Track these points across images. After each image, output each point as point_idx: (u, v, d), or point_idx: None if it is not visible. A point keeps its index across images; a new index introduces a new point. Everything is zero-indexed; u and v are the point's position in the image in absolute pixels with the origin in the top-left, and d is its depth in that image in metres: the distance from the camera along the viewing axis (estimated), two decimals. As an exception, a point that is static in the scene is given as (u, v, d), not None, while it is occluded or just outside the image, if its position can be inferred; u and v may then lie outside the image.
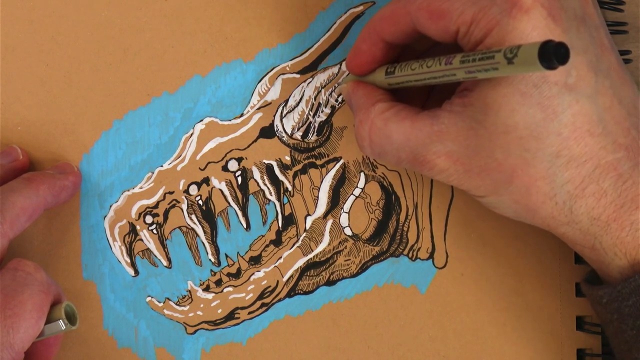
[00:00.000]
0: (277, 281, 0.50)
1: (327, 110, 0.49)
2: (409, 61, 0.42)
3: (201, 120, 0.49)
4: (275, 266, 0.50)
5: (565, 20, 0.38)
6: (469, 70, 0.37)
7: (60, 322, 0.42)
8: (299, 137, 0.49)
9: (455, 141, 0.40)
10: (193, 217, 0.49)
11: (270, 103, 0.49)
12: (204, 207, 0.49)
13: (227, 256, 0.49)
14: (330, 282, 0.50)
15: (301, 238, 0.49)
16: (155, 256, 0.49)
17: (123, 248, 0.49)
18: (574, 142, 0.39)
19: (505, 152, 0.39)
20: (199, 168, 0.49)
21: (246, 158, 0.49)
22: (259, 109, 0.49)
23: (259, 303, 0.50)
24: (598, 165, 0.39)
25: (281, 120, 0.49)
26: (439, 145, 0.40)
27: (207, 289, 0.50)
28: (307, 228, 0.49)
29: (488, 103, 0.38)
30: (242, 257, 0.49)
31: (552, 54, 0.32)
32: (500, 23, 0.37)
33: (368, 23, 0.43)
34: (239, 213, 0.49)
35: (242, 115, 0.49)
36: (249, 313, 0.50)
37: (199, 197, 0.49)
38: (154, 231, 0.49)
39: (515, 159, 0.39)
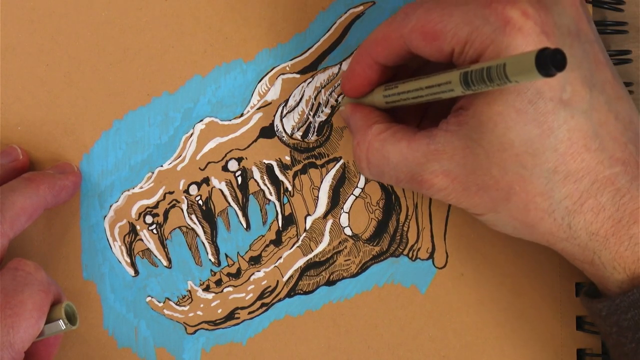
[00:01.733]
0: (277, 281, 0.50)
1: (327, 110, 0.49)
2: (406, 80, 0.42)
3: (201, 120, 0.49)
4: (275, 266, 0.50)
5: (558, 37, 0.38)
6: (467, 84, 0.37)
7: (60, 322, 0.42)
8: (299, 137, 0.49)
9: (451, 160, 0.40)
10: (193, 217, 0.49)
11: (270, 103, 0.49)
12: (204, 207, 0.49)
13: (227, 256, 0.49)
14: (330, 282, 0.50)
15: (301, 238, 0.49)
16: (155, 256, 0.49)
17: (123, 248, 0.49)
18: (571, 157, 0.39)
19: (502, 170, 0.39)
20: (199, 168, 0.49)
21: (246, 158, 0.49)
22: (259, 109, 0.49)
23: (259, 303, 0.50)
24: (595, 180, 0.39)
25: (281, 120, 0.49)
26: (436, 164, 0.41)
27: (207, 289, 0.50)
28: (307, 228, 0.49)
29: (483, 121, 0.39)
30: (242, 257, 0.49)
31: (549, 61, 0.32)
32: (495, 41, 0.37)
33: (361, 46, 0.44)
34: (239, 213, 0.49)
35: (242, 115, 0.49)
36: (249, 313, 0.50)
37: (199, 197, 0.49)
38: (154, 231, 0.49)
39: (512, 176, 0.39)
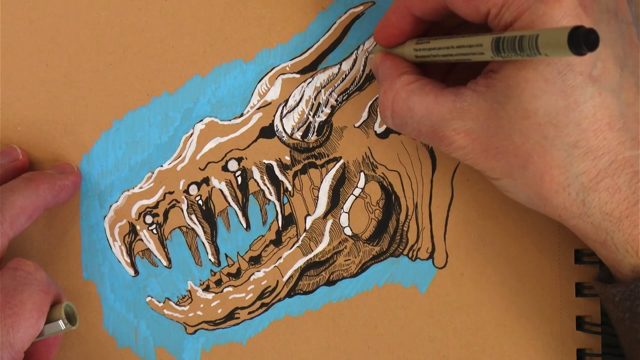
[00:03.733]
0: (277, 281, 0.50)
1: (327, 110, 0.49)
2: (439, 37, 0.42)
3: (201, 120, 0.49)
4: (275, 266, 0.50)
5: (596, 12, 0.38)
6: (497, 50, 0.36)
7: (60, 322, 0.42)
8: (299, 137, 0.49)
9: (475, 120, 0.40)
10: (193, 217, 0.49)
11: (270, 103, 0.49)
12: (204, 207, 0.49)
13: (227, 256, 0.49)
14: (330, 282, 0.50)
15: (301, 238, 0.49)
16: (155, 256, 0.49)
17: (123, 248, 0.49)
18: (593, 134, 0.38)
19: (523, 137, 0.39)
20: (199, 168, 0.49)
21: (246, 158, 0.49)
22: (259, 109, 0.49)
23: (259, 303, 0.50)
24: (615, 160, 0.39)
25: (281, 120, 0.49)
26: (460, 122, 0.40)
27: (207, 289, 0.50)
28: (307, 228, 0.49)
29: (511, 86, 0.38)
30: (242, 257, 0.49)
31: (582, 40, 0.32)
32: (532, 8, 0.37)
33: None
34: (239, 213, 0.49)
35: (242, 115, 0.49)
36: (249, 313, 0.50)
37: (199, 197, 0.49)
38: (154, 231, 0.49)
39: (532, 145, 0.39)
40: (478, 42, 0.38)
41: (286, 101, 0.49)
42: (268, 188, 0.49)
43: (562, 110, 0.38)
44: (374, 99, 0.49)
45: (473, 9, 0.39)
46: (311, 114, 0.49)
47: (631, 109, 0.39)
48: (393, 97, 0.43)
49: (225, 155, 0.49)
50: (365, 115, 0.49)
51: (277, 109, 0.49)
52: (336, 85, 0.49)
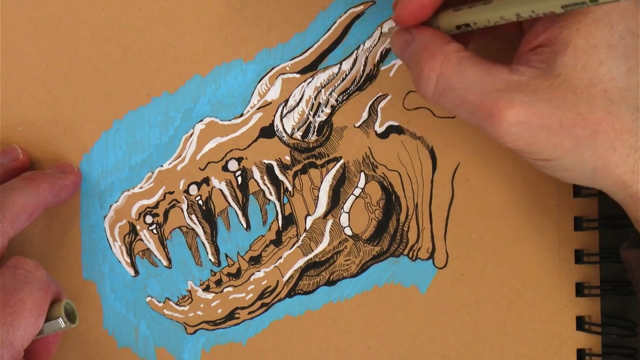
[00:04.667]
0: (277, 281, 0.50)
1: (327, 110, 0.49)
2: (478, 1, 0.39)
3: (201, 120, 0.49)
4: (275, 266, 0.50)
5: None
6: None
7: (60, 320, 0.42)
8: (299, 137, 0.49)
9: (535, 94, 0.38)
10: (193, 217, 0.49)
11: (270, 103, 0.49)
12: (204, 207, 0.49)
13: (227, 256, 0.49)
14: (330, 282, 0.50)
15: (301, 238, 0.49)
16: (155, 256, 0.49)
17: (123, 248, 0.49)
18: None
19: (590, 106, 0.38)
20: (199, 168, 0.49)
21: (246, 158, 0.49)
22: (259, 108, 0.49)
23: (259, 303, 0.50)
24: None
25: (281, 120, 0.49)
26: (517, 93, 0.38)
27: (207, 289, 0.50)
28: (307, 228, 0.49)
29: (578, 55, 0.37)
30: (242, 257, 0.49)
31: None
32: None
33: None
34: (239, 213, 0.49)
35: (242, 115, 0.49)
36: (249, 313, 0.50)
37: (199, 197, 0.49)
38: (154, 231, 0.49)
39: (600, 113, 0.38)
40: None
41: (286, 101, 0.49)
42: (268, 188, 0.49)
43: (625, 74, 0.38)
44: (374, 98, 0.49)
45: None
46: (311, 113, 0.49)
47: None
48: (443, 60, 0.39)
49: (225, 155, 0.49)
50: (365, 115, 0.49)
51: (277, 108, 0.49)
52: (336, 85, 0.49)
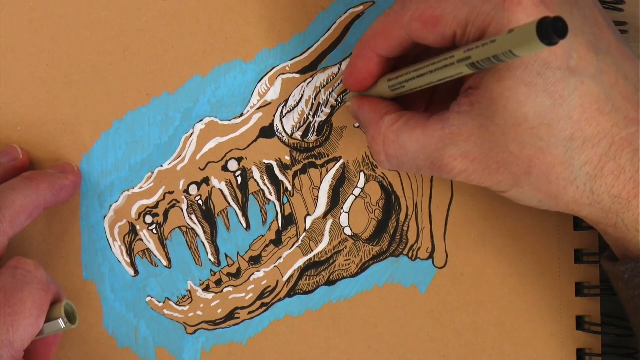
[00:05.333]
0: (277, 281, 0.50)
1: (327, 110, 0.49)
2: (410, 66, 0.42)
3: (201, 120, 0.49)
4: (275, 266, 0.50)
5: (557, 5, 0.38)
6: (472, 63, 0.37)
7: (60, 320, 0.42)
8: (299, 137, 0.49)
9: (468, 141, 0.40)
10: (193, 217, 0.49)
11: (270, 103, 0.49)
12: (204, 207, 0.49)
13: (227, 256, 0.49)
14: (330, 282, 0.50)
15: (301, 238, 0.49)
16: (155, 256, 0.49)
17: (123, 248, 0.49)
18: (586, 123, 0.39)
19: (519, 145, 0.39)
20: (199, 168, 0.49)
21: (246, 158, 0.49)
22: (259, 108, 0.49)
23: (259, 303, 0.50)
24: (613, 142, 0.39)
25: (281, 120, 0.49)
26: (453, 147, 0.40)
27: (207, 289, 0.50)
28: (307, 228, 0.49)
29: (495, 98, 0.38)
30: (242, 257, 0.49)
31: (551, 29, 0.32)
32: (495, 18, 0.37)
33: (361, 40, 0.43)
34: (239, 213, 0.49)
35: (242, 115, 0.49)
36: (249, 313, 0.50)
37: (199, 197, 0.49)
38: (154, 231, 0.49)
39: (530, 150, 0.39)
40: (451, 61, 0.38)
41: (286, 101, 0.49)
42: (268, 188, 0.49)
43: (550, 109, 0.38)
44: (373, 98, 0.49)
45: (438, 35, 0.39)
46: (311, 114, 0.49)
47: (615, 89, 0.39)
48: (382, 141, 0.43)
49: (225, 155, 0.49)
50: (365, 115, 0.49)
51: (277, 109, 0.49)
52: (336, 85, 0.49)
